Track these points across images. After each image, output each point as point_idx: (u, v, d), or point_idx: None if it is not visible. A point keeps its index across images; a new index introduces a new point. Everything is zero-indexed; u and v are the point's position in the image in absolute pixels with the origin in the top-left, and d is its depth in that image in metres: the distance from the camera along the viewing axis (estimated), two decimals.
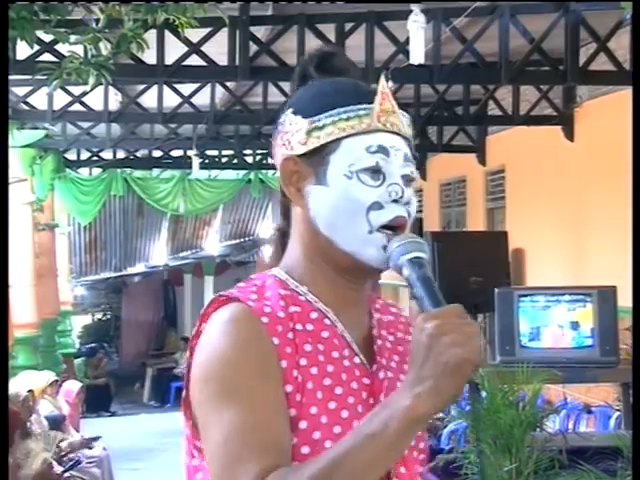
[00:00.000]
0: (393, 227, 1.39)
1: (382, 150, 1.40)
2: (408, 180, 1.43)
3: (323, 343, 1.38)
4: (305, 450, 1.32)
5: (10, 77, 7.67)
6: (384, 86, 1.45)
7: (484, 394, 4.02)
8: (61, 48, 6.13)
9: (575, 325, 4.38)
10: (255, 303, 1.37)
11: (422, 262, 1.34)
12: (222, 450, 1.27)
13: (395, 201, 1.39)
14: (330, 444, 1.30)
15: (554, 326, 4.42)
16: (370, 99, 1.43)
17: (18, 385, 7.76)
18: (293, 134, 1.43)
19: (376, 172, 1.39)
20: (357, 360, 1.41)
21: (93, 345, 17.07)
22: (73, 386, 9.97)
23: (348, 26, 7.00)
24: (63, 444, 7.49)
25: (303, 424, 1.32)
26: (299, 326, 1.37)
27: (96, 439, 8.17)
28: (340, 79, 1.48)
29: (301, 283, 1.43)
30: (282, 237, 1.50)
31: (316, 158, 1.41)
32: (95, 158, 13.21)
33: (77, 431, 8.85)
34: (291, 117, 1.45)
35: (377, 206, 1.38)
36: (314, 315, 1.40)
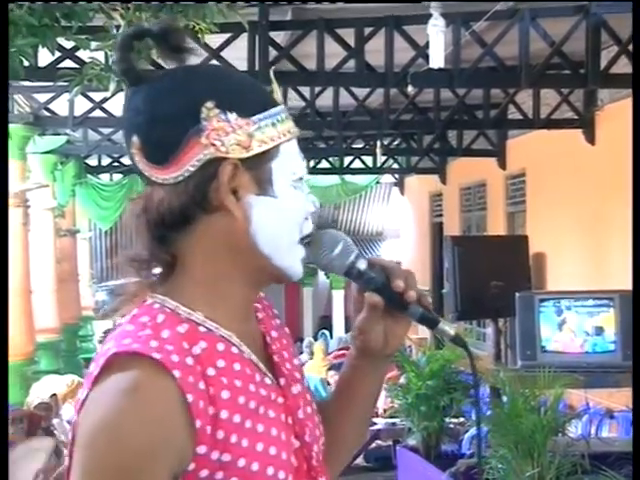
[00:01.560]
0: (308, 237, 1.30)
1: (303, 157, 1.31)
2: None
3: (239, 378, 1.22)
4: None
5: (32, 84, 7.74)
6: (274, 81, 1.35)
7: (505, 399, 4.00)
8: (82, 54, 6.17)
9: (599, 330, 4.36)
10: (161, 354, 1.15)
11: (362, 256, 1.34)
12: None
13: (313, 212, 1.31)
14: None
15: (575, 330, 4.39)
16: (275, 100, 1.30)
17: (42, 389, 7.81)
18: (227, 134, 1.22)
19: (302, 181, 1.30)
20: (268, 381, 1.26)
21: None
22: None
23: (367, 30, 7.01)
24: None
25: None
26: (211, 370, 1.19)
27: None
28: (245, 74, 1.34)
29: (195, 309, 1.23)
30: (170, 254, 1.26)
31: (258, 164, 1.24)
32: (116, 164, 13.28)
33: None
34: (217, 112, 1.22)
35: (305, 217, 1.29)
36: (221, 347, 1.22)
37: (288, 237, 1.26)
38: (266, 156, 1.24)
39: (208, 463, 1.16)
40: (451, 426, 5.55)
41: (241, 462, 1.18)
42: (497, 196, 11.40)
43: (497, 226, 11.20)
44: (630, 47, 7.10)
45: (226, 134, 1.22)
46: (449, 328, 1.34)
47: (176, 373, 1.14)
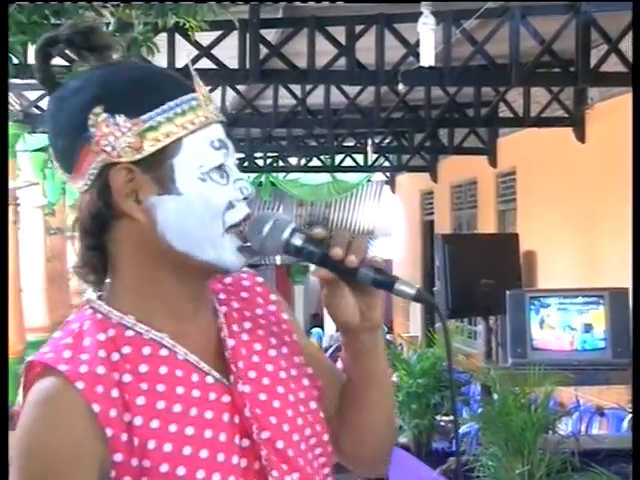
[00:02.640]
0: (239, 224, 1.26)
1: (223, 144, 1.26)
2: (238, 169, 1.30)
3: (163, 382, 1.21)
4: None
5: (21, 81, 7.71)
6: (191, 68, 1.29)
7: (495, 397, 4.01)
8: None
9: (587, 327, 4.37)
10: (69, 365, 1.18)
11: (300, 230, 1.27)
12: None
13: (245, 198, 1.27)
14: None
15: (566, 328, 4.40)
16: (189, 87, 1.25)
17: None
18: (117, 137, 1.20)
19: (222, 169, 1.24)
20: (210, 380, 1.24)
21: None
22: None
23: (358, 28, 7.00)
24: None
25: None
26: (127, 377, 1.19)
27: None
28: (140, 64, 1.31)
29: (127, 312, 1.24)
30: (99, 259, 1.26)
31: (155, 164, 1.21)
32: None
33: None
34: (105, 116, 1.21)
35: (230, 206, 1.24)
36: (147, 351, 1.22)
37: (204, 231, 1.23)
38: (165, 154, 1.22)
39: (129, 470, 1.17)
40: (442, 424, 5.56)
41: (164, 467, 1.18)
42: (488, 194, 11.41)
43: (488, 224, 11.22)
44: (620, 46, 7.12)
45: (116, 138, 1.21)
46: (408, 288, 1.24)
47: (79, 385, 1.16)
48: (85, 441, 1.16)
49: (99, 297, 1.28)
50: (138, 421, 1.18)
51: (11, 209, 9.52)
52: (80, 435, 1.16)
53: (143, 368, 1.21)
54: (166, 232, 1.22)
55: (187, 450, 1.19)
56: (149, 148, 1.21)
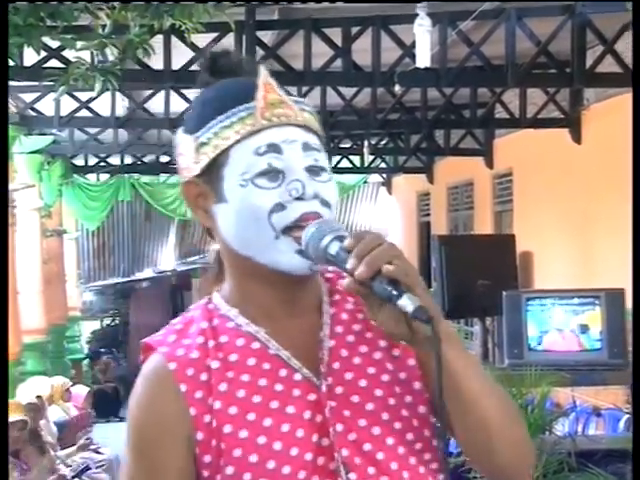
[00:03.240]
0: (302, 226, 1.26)
1: (272, 148, 1.28)
2: (315, 170, 1.30)
3: (249, 372, 1.29)
4: None
5: (17, 83, 7.71)
6: (265, 77, 1.32)
7: None
8: (68, 54, 6.14)
9: (584, 328, 4.38)
10: (169, 347, 1.32)
11: (343, 237, 1.22)
12: None
13: (298, 198, 1.27)
14: None
15: (562, 329, 4.41)
16: (251, 96, 1.30)
17: (27, 391, 7.77)
18: (186, 155, 1.34)
19: (272, 173, 1.28)
20: (298, 377, 1.29)
21: (102, 350, 17.10)
22: (81, 391, 10.00)
23: (354, 30, 7.00)
24: (71, 449, 7.50)
25: (229, 469, 1.26)
26: (215, 363, 1.29)
27: (89, 444, 8.13)
28: (224, 81, 1.36)
29: (234, 305, 1.34)
30: (218, 258, 1.40)
31: (212, 175, 1.31)
32: (103, 164, 13.24)
33: (87, 435, 8.86)
34: (181, 136, 1.35)
35: (279, 207, 1.27)
36: (240, 342, 1.31)
37: (256, 235, 1.28)
38: (216, 165, 1.31)
39: (209, 449, 1.27)
40: (439, 425, 5.56)
41: (237, 452, 1.25)
42: (484, 195, 11.42)
43: (484, 225, 11.22)
44: (615, 46, 7.13)
45: (184, 157, 1.35)
46: (408, 305, 1.16)
47: (172, 365, 1.29)
48: (173, 417, 1.28)
49: (218, 290, 1.39)
50: (218, 405, 1.27)
51: (8, 211, 9.51)
52: (168, 411, 1.28)
53: (233, 357, 1.30)
54: (227, 237, 1.33)
55: (262, 439, 1.26)
56: (203, 162, 1.32)
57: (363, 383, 1.31)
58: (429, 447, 1.33)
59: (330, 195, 1.31)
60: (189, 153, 1.33)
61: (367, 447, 1.27)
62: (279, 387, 1.28)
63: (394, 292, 1.17)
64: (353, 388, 1.30)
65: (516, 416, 1.35)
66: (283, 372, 1.30)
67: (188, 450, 1.28)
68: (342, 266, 1.21)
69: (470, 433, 1.29)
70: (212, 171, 1.31)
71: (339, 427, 1.28)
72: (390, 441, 1.29)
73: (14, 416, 6.03)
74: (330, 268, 1.35)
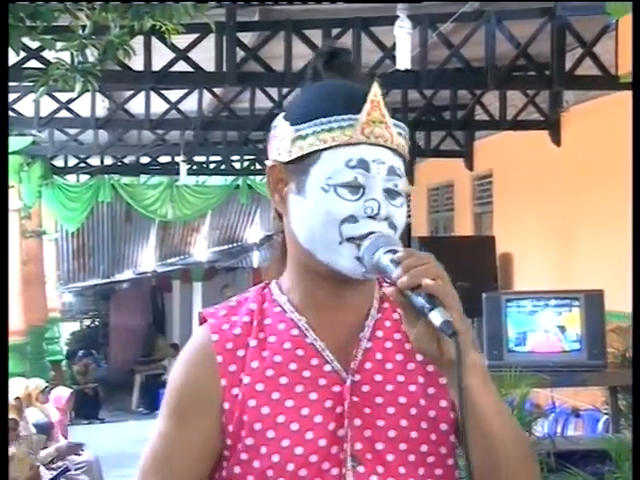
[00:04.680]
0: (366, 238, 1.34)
1: (362, 164, 1.35)
2: (392, 194, 1.37)
3: (282, 355, 1.38)
4: (256, 464, 1.35)
5: None
6: (376, 94, 1.37)
7: None
8: (47, 55, 6.12)
9: (562, 329, 4.39)
10: (217, 320, 1.43)
11: (395, 250, 1.30)
12: (145, 457, 1.42)
13: (371, 217, 1.34)
14: (278, 457, 1.33)
15: (541, 330, 4.43)
16: (358, 108, 1.36)
17: (13, 392, 7.72)
18: (281, 140, 1.40)
19: (355, 187, 1.35)
20: (328, 368, 1.37)
21: (81, 352, 17.03)
22: (63, 392, 9.94)
23: (335, 31, 7.01)
24: (49, 449, 7.47)
25: (249, 440, 1.35)
26: (253, 342, 1.39)
27: (80, 445, 8.13)
28: (335, 83, 1.41)
29: (286, 292, 1.44)
30: (284, 242, 1.47)
31: (299, 168, 1.38)
32: (82, 165, 13.20)
33: (65, 438, 8.82)
34: (281, 122, 1.42)
35: (352, 220, 1.34)
36: (282, 326, 1.41)
37: (322, 235, 1.35)
38: (306, 161, 1.37)
39: (232, 419, 1.36)
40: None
41: (257, 426, 1.35)
42: (464, 197, 11.46)
43: (464, 227, 11.26)
44: (594, 49, 7.17)
45: (280, 141, 1.41)
46: (437, 317, 1.22)
47: (214, 337, 1.40)
48: (206, 383, 1.38)
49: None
50: (247, 380, 1.37)
51: None
52: (203, 377, 1.39)
53: (271, 339, 1.40)
54: (295, 228, 1.40)
55: (281, 418, 1.35)
56: (295, 154, 1.38)
57: (390, 387, 1.38)
58: (442, 464, 1.38)
59: (400, 220, 1.38)
60: (284, 140, 1.39)
61: (379, 446, 1.35)
62: (307, 374, 1.37)
63: (427, 304, 1.23)
64: (379, 390, 1.37)
65: (530, 458, 1.38)
66: (314, 361, 1.38)
67: (217, 417, 1.37)
68: (390, 275, 1.28)
69: (481, 466, 1.29)
70: (300, 164, 1.38)
71: (357, 422, 1.35)
72: (403, 447, 1.35)
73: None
74: (388, 280, 1.38)
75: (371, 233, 1.33)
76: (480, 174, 10.98)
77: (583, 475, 3.46)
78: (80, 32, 4.38)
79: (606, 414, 5.11)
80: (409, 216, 14.07)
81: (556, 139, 8.82)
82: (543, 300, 4.47)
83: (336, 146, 1.35)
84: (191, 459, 1.38)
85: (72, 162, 13.37)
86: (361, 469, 1.33)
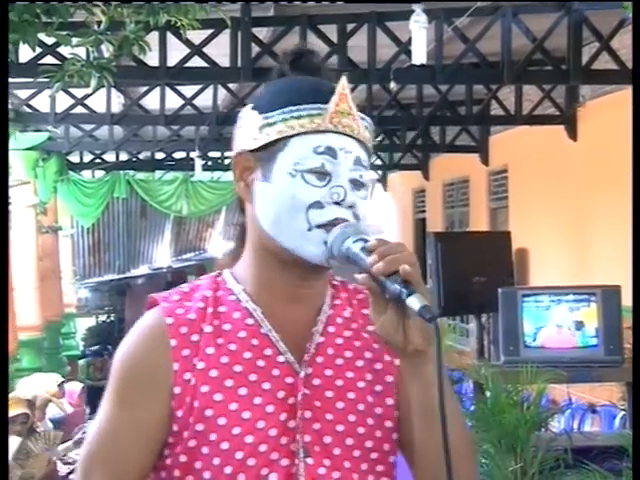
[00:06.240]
0: (334, 225, 1.35)
1: (330, 151, 1.37)
2: (357, 184, 1.39)
3: (237, 343, 1.38)
4: (205, 450, 1.34)
5: (13, 80, 7.69)
6: (344, 87, 1.40)
7: (488, 394, 4.01)
8: (63, 51, 6.14)
9: (579, 325, 4.38)
10: (170, 304, 1.42)
11: (366, 239, 1.31)
12: (89, 441, 1.41)
13: (337, 203, 1.36)
14: (227, 445, 1.33)
15: (558, 326, 4.41)
16: (326, 99, 1.39)
17: (31, 388, 7.76)
18: (248, 129, 1.42)
19: (322, 173, 1.36)
20: (281, 359, 1.38)
21: (97, 347, 17.08)
22: (75, 387, 9.99)
23: (350, 27, 7.00)
24: (68, 444, 7.50)
25: (199, 426, 1.34)
26: (208, 328, 1.39)
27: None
28: (304, 77, 1.44)
29: (241, 282, 1.44)
30: (242, 233, 1.48)
31: (265, 154, 1.39)
32: (98, 160, 13.22)
33: (81, 432, 8.85)
34: (248, 112, 1.43)
35: (318, 205, 1.35)
36: (237, 315, 1.41)
37: (288, 221, 1.36)
38: (274, 147, 1.38)
39: (182, 405, 1.35)
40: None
41: (208, 412, 1.34)
42: (480, 192, 11.42)
43: (480, 222, 11.23)
44: (611, 43, 7.13)
45: (247, 130, 1.42)
46: (415, 302, 1.22)
47: (169, 320, 1.39)
48: (159, 366, 1.36)
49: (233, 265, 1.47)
50: (201, 365, 1.36)
51: None
52: (156, 360, 1.37)
53: (226, 327, 1.40)
54: (260, 214, 1.40)
55: (233, 406, 1.35)
56: (262, 140, 1.39)
57: (339, 383, 1.39)
58: (384, 460, 1.40)
59: (364, 211, 1.41)
60: (251, 129, 1.40)
61: (327, 440, 1.36)
62: (261, 363, 1.37)
63: (404, 290, 1.24)
64: (330, 384, 1.39)
65: (472, 448, 1.43)
66: (268, 351, 1.38)
67: (167, 401, 1.35)
68: (361, 263, 1.29)
69: (428, 451, 1.34)
70: (267, 151, 1.39)
71: (307, 414, 1.36)
72: (349, 441, 1.37)
73: (17, 410, 6.03)
74: (338, 277, 1.46)
75: (337, 219, 1.35)
76: (496, 169, 10.95)
77: (601, 471, 3.45)
78: (96, 28, 4.40)
79: (623, 410, 5.09)
80: (424, 211, 14.09)
81: (572, 134, 8.78)
82: (560, 295, 4.45)
83: (304, 133, 1.37)
84: (140, 442, 1.37)
85: (87, 158, 13.40)
86: (310, 461, 1.34)
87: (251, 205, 1.42)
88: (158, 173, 14.70)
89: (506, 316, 4.44)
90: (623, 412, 5.14)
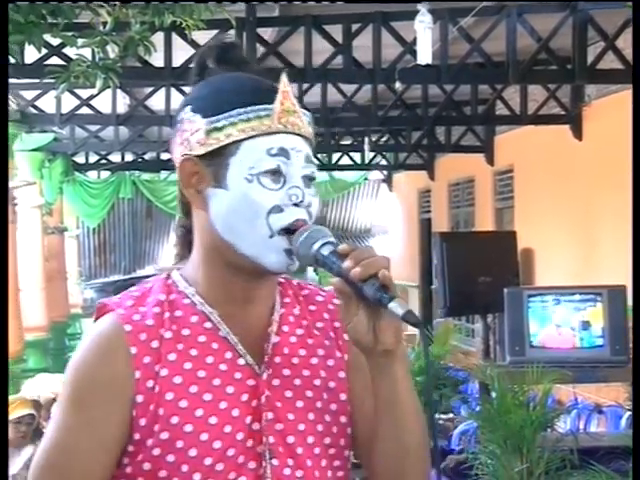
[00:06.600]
0: (293, 230, 1.36)
1: (283, 152, 1.37)
2: (309, 180, 1.40)
3: (198, 348, 1.37)
4: (170, 458, 1.32)
5: (18, 81, 7.70)
6: (285, 84, 1.40)
7: (494, 395, 4.01)
8: (69, 51, 6.14)
9: (585, 325, 4.37)
10: (126, 310, 1.38)
11: (333, 243, 1.33)
12: (43, 452, 1.36)
13: (295, 204, 1.36)
14: (195, 452, 1.32)
15: (564, 326, 4.40)
16: (271, 98, 1.38)
17: (36, 389, 7.76)
18: (192, 133, 1.39)
19: (277, 175, 1.36)
20: (241, 362, 1.38)
21: None
22: None
23: (355, 27, 7.00)
24: None
25: (164, 435, 1.32)
26: (168, 334, 1.36)
27: None
28: (240, 75, 1.43)
29: (192, 284, 1.42)
30: (186, 235, 1.46)
31: (216, 160, 1.37)
32: (103, 161, 13.24)
33: None
34: (189, 115, 1.40)
35: (277, 209, 1.35)
36: (194, 319, 1.39)
37: (248, 227, 1.35)
38: (224, 152, 1.37)
39: (146, 413, 1.33)
40: (440, 422, 5.56)
41: (174, 419, 1.32)
42: (485, 192, 11.42)
43: (485, 222, 11.22)
44: (617, 43, 7.12)
45: (191, 134, 1.38)
46: (399, 308, 1.26)
47: (127, 327, 1.36)
48: (119, 374, 1.34)
49: (179, 267, 1.45)
50: (164, 372, 1.34)
51: (9, 209, 9.52)
52: (116, 368, 1.34)
53: (185, 332, 1.38)
54: (216, 222, 1.38)
55: (199, 412, 1.33)
56: (211, 145, 1.37)
57: (297, 382, 1.40)
58: (341, 455, 1.43)
59: (316, 208, 1.41)
60: (196, 133, 1.38)
61: (290, 440, 1.37)
62: (223, 367, 1.37)
63: (385, 295, 1.26)
64: (288, 384, 1.40)
65: (427, 447, 1.47)
66: (229, 354, 1.38)
67: (127, 410, 1.33)
68: (333, 267, 1.31)
69: (390, 445, 1.40)
70: (217, 156, 1.37)
71: (270, 415, 1.37)
72: (310, 440, 1.39)
73: (22, 410, 6.03)
74: (283, 275, 1.45)
75: (297, 221, 1.35)
76: (501, 169, 10.94)
77: (607, 472, 3.44)
78: (101, 29, 4.40)
79: (629, 410, 5.07)
80: (429, 211, 14.09)
81: (577, 133, 8.77)
82: (566, 295, 4.45)
83: (255, 136, 1.36)
84: (98, 452, 1.33)
85: (93, 159, 13.42)
86: (275, 462, 1.35)
87: (203, 211, 1.39)
88: (164, 174, 14.71)
89: (512, 316, 4.43)
90: (629, 412, 5.13)
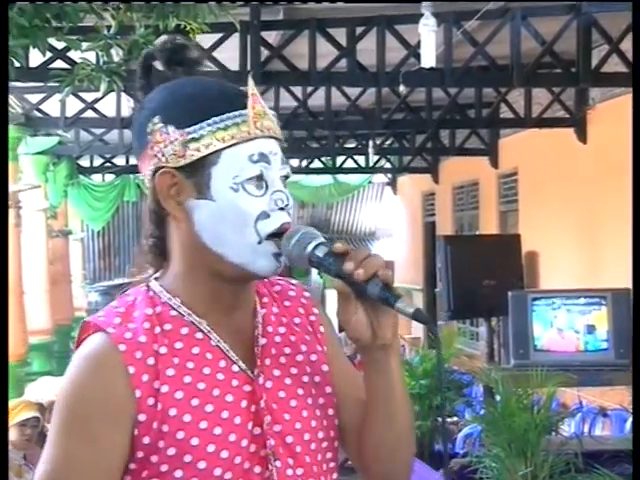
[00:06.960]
0: (279, 234, 1.37)
1: (263, 158, 1.37)
2: (284, 179, 1.41)
3: (193, 360, 1.36)
4: (178, 474, 1.32)
5: (23, 84, 7.72)
6: (253, 87, 1.40)
7: (498, 398, 4.01)
8: (73, 55, 6.15)
9: (590, 328, 4.37)
10: (116, 329, 1.35)
11: (326, 244, 1.35)
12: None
13: (281, 209, 1.37)
14: (204, 464, 1.32)
15: (568, 329, 4.40)
16: (242, 103, 1.38)
17: (40, 392, 7.77)
18: (166, 145, 1.37)
19: (260, 181, 1.37)
20: (235, 369, 1.39)
21: None
22: None
23: (359, 30, 7.00)
24: None
25: (171, 450, 1.31)
26: (163, 349, 1.35)
27: None
28: (201, 79, 1.42)
29: (175, 295, 1.40)
30: (158, 246, 1.44)
31: (196, 171, 1.36)
32: (108, 164, 13.25)
33: None
34: (160, 126, 1.37)
35: (264, 215, 1.36)
36: (185, 331, 1.38)
37: (239, 237, 1.35)
38: (205, 163, 1.36)
39: (149, 431, 1.31)
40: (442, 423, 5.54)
41: (180, 434, 1.32)
42: (489, 195, 11.41)
43: (489, 225, 11.21)
44: (621, 46, 7.11)
45: (165, 146, 1.37)
46: (408, 307, 1.29)
47: (121, 347, 1.33)
48: (119, 396, 1.31)
49: (156, 278, 1.44)
50: (165, 389, 1.33)
51: (13, 212, 9.53)
52: (115, 390, 1.31)
53: (178, 345, 1.37)
54: (202, 233, 1.37)
55: (203, 424, 1.33)
56: (190, 157, 1.35)
57: (288, 381, 1.42)
58: (332, 447, 1.45)
59: (291, 207, 1.41)
60: (172, 144, 1.36)
61: (289, 439, 1.39)
62: (220, 376, 1.37)
63: (391, 295, 1.30)
64: (280, 385, 1.41)
65: (414, 432, 1.54)
66: (222, 363, 1.38)
67: (129, 430, 1.32)
68: (330, 268, 1.33)
69: (386, 435, 1.44)
70: (197, 167, 1.36)
71: (268, 418, 1.38)
72: (307, 437, 1.41)
73: (27, 413, 6.03)
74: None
75: (283, 224, 1.36)
76: (505, 172, 10.93)
77: (611, 475, 3.44)
78: (105, 32, 4.40)
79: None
80: (433, 214, 14.09)
81: (582, 137, 8.76)
82: (570, 298, 4.44)
83: (236, 144, 1.36)
84: (102, 476, 1.32)
85: (98, 162, 13.44)
86: (278, 464, 1.37)
87: (184, 223, 1.37)
88: None
89: (516, 319, 4.43)
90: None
